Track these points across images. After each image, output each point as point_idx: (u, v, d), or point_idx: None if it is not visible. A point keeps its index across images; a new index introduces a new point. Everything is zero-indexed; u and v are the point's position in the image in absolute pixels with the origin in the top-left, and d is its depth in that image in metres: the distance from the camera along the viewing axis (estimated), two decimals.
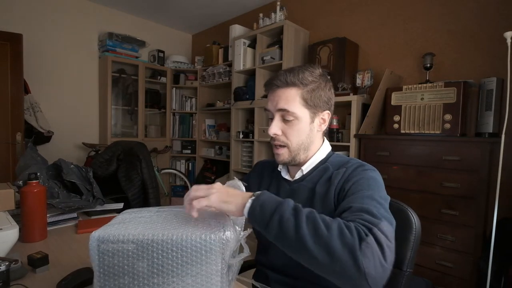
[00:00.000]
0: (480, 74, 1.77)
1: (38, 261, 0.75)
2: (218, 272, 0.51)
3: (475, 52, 1.84)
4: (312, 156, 0.80)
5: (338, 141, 2.13)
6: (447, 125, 1.63)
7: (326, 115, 0.79)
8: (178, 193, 3.73)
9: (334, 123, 2.17)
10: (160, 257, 0.50)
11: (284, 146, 0.77)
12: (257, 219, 0.56)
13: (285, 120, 0.76)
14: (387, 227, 0.55)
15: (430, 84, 1.71)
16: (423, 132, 1.72)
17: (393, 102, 1.84)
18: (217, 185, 0.61)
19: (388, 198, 0.68)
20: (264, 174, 0.91)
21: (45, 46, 2.90)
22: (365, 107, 2.04)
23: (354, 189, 0.67)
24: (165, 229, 0.53)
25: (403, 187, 1.73)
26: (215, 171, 3.43)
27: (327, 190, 0.72)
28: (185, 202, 0.60)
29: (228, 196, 0.59)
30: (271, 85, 0.77)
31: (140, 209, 0.68)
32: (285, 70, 0.77)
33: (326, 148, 0.82)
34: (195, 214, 0.57)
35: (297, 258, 0.53)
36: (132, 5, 3.28)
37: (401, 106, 1.80)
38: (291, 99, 0.74)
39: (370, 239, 0.50)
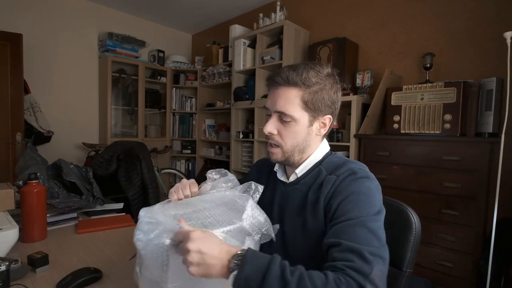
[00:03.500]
0: (480, 74, 1.77)
1: (38, 261, 0.75)
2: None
3: (475, 52, 1.84)
4: (308, 158, 0.77)
5: (338, 141, 2.13)
6: (447, 125, 1.63)
7: (327, 119, 0.76)
8: None
9: (334, 123, 2.16)
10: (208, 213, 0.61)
11: (277, 146, 0.75)
12: None
13: (282, 121, 0.73)
14: (378, 274, 0.53)
15: (430, 84, 1.71)
16: (423, 132, 1.72)
17: (393, 102, 1.84)
18: (194, 239, 0.51)
19: (383, 209, 0.65)
20: (263, 172, 0.90)
21: (45, 46, 2.90)
22: (365, 107, 2.04)
23: (342, 210, 0.63)
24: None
25: (403, 187, 1.73)
26: None
27: (318, 198, 0.70)
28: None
29: (207, 265, 0.51)
30: (272, 82, 0.74)
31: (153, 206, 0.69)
32: (289, 67, 0.73)
33: (323, 149, 0.79)
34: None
35: None
36: (132, 5, 3.28)
37: (401, 106, 1.81)
38: (290, 100, 0.70)
39: None
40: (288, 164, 0.79)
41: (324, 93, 0.72)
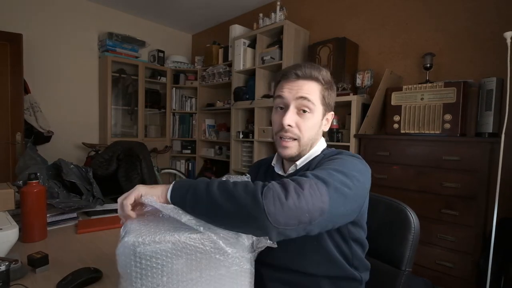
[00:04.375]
0: (480, 74, 1.77)
1: (38, 261, 0.75)
2: (248, 257, 0.56)
3: (475, 52, 1.84)
4: (309, 152, 0.79)
5: (338, 141, 2.13)
6: (447, 125, 1.63)
7: (330, 116, 0.80)
8: None
9: (334, 123, 2.17)
10: (198, 254, 0.53)
11: (295, 139, 0.74)
12: (176, 199, 0.58)
13: (299, 113, 0.72)
14: (309, 182, 0.55)
15: (430, 84, 1.71)
16: (423, 132, 1.72)
17: (393, 102, 1.84)
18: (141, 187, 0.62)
19: (353, 174, 0.62)
20: (260, 172, 0.90)
21: (45, 46, 2.90)
22: (365, 107, 2.04)
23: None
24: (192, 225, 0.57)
25: (403, 187, 1.73)
26: (215, 171, 3.43)
27: None
28: (119, 209, 0.62)
29: (153, 186, 0.62)
30: (291, 74, 0.73)
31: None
32: (304, 64, 0.75)
33: (322, 144, 0.82)
34: (132, 214, 0.60)
35: (215, 221, 0.55)
36: (132, 5, 3.28)
37: (401, 106, 1.81)
38: (313, 91, 0.72)
39: (273, 184, 0.54)
40: (294, 159, 0.78)
41: (332, 91, 0.78)
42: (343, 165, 0.64)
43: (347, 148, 2.04)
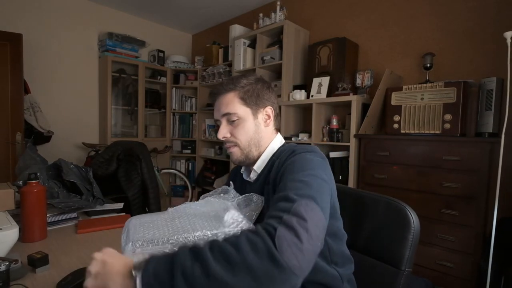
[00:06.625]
0: (480, 74, 1.77)
1: (38, 261, 0.75)
2: None
3: (475, 52, 1.84)
4: (263, 152, 0.81)
5: (338, 141, 2.13)
6: (447, 125, 1.63)
7: (269, 110, 0.81)
8: (178, 193, 3.73)
9: (334, 123, 2.17)
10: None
11: (234, 145, 0.79)
12: None
13: (230, 122, 0.79)
14: (303, 206, 0.51)
15: (430, 84, 1.71)
16: (423, 132, 1.72)
17: (393, 102, 1.84)
18: (99, 254, 0.49)
19: (318, 173, 0.63)
20: (236, 179, 0.91)
21: (45, 46, 2.90)
22: (365, 107, 2.04)
23: (282, 179, 0.65)
24: (189, 227, 0.57)
25: (403, 187, 1.73)
26: (215, 171, 3.43)
27: (273, 186, 0.71)
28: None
29: (106, 274, 0.46)
30: (213, 95, 0.83)
31: (145, 215, 0.68)
32: (223, 82, 0.84)
33: (277, 142, 0.83)
34: None
35: None
36: (132, 5, 3.28)
37: (401, 106, 1.80)
38: (230, 101, 0.78)
39: (280, 230, 0.46)
40: (250, 162, 0.82)
41: (257, 90, 0.80)
42: (303, 168, 0.64)
43: (347, 148, 2.04)
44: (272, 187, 0.70)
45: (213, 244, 0.46)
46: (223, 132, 0.79)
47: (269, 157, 0.80)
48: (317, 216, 0.53)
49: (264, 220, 0.52)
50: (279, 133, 0.86)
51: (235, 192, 0.78)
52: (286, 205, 0.52)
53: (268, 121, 0.81)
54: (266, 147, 0.81)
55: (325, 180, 0.63)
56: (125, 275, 0.45)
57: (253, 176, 0.81)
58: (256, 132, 0.79)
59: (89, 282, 0.47)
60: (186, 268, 0.43)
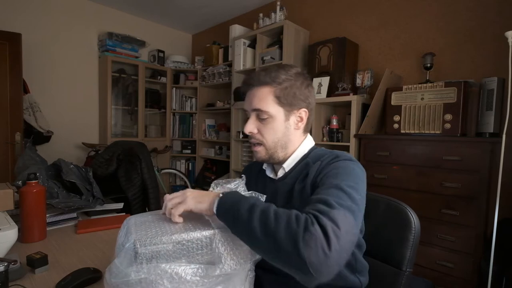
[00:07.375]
0: (481, 73, 1.77)
1: (37, 262, 0.75)
2: (248, 262, 0.59)
3: (475, 51, 1.84)
4: (293, 153, 0.79)
5: (338, 141, 2.13)
6: (448, 125, 1.63)
7: (303, 112, 0.78)
8: None
9: (334, 123, 2.17)
10: (197, 256, 0.55)
11: (260, 144, 0.77)
12: (220, 216, 0.58)
13: (260, 119, 0.76)
14: (341, 215, 0.53)
15: (430, 84, 1.71)
16: (423, 132, 1.71)
17: (393, 102, 1.84)
18: (189, 190, 0.64)
19: (360, 188, 0.64)
20: (252, 175, 0.91)
21: (45, 46, 2.90)
22: (365, 107, 2.04)
23: (324, 180, 0.65)
24: (190, 225, 0.58)
25: (403, 187, 1.73)
26: (215, 171, 3.42)
27: (304, 186, 0.71)
28: (166, 212, 0.62)
29: (202, 196, 0.62)
30: (246, 85, 0.79)
31: (145, 213, 0.68)
32: (259, 70, 0.78)
33: (308, 143, 0.81)
34: (178, 219, 0.60)
35: (253, 250, 0.56)
36: (132, 5, 3.28)
37: (401, 106, 1.80)
38: (264, 97, 0.75)
39: (315, 228, 0.49)
40: (274, 162, 0.81)
41: (294, 88, 0.75)
42: (348, 177, 0.64)
43: (347, 148, 2.03)
44: (311, 187, 0.69)
45: (266, 208, 0.55)
46: (251, 128, 0.77)
47: (299, 157, 0.79)
48: (351, 229, 0.54)
49: (304, 210, 0.56)
50: (309, 134, 0.84)
51: (245, 187, 0.77)
52: (325, 208, 0.54)
53: (299, 124, 0.78)
54: (295, 150, 0.79)
55: (364, 198, 0.64)
56: (214, 196, 0.60)
57: (280, 174, 0.80)
58: (285, 134, 0.77)
59: (190, 199, 0.61)
60: (239, 212, 0.55)
